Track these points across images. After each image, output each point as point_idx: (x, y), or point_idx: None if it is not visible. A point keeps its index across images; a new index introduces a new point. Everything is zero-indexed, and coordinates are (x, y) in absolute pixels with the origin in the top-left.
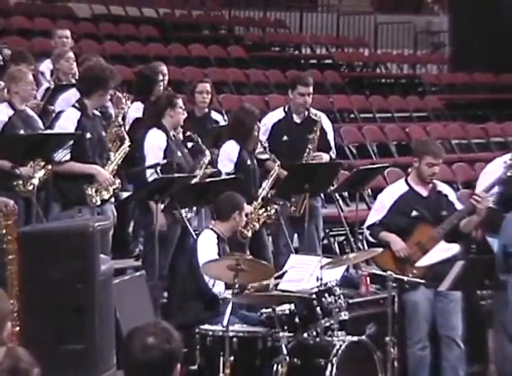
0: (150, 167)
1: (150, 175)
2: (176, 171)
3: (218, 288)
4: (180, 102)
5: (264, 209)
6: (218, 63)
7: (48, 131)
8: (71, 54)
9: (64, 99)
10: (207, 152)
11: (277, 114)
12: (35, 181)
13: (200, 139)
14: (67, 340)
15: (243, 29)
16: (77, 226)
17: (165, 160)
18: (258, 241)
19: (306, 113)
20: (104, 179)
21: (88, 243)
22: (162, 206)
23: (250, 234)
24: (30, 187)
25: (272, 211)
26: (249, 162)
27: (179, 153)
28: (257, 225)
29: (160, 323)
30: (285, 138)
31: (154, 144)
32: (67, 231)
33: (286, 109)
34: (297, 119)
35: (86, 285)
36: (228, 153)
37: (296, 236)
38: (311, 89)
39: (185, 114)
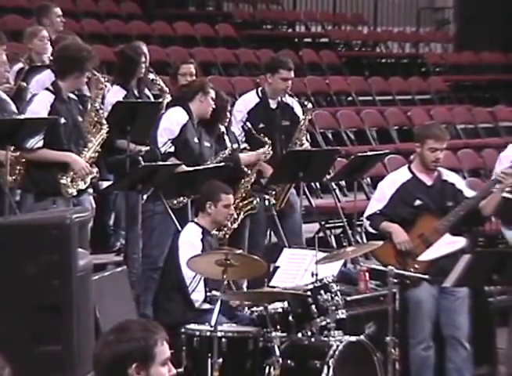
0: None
1: (163, 146)
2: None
3: (197, 296)
4: (213, 93)
5: (246, 201)
6: (206, 43)
7: (22, 117)
8: (45, 32)
9: (38, 81)
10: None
11: (251, 99)
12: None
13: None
14: (43, 341)
15: (233, 5)
16: (53, 218)
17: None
18: (236, 236)
19: (279, 98)
20: (80, 168)
21: (65, 236)
22: (145, 196)
23: (233, 227)
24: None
25: (255, 202)
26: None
27: (196, 140)
28: (240, 218)
29: (127, 321)
30: (261, 125)
31: (173, 118)
32: (43, 223)
33: (259, 93)
34: (272, 104)
35: (63, 281)
36: None
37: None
38: (292, 74)
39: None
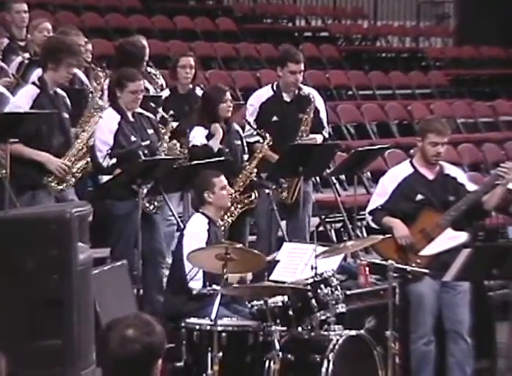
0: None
1: (104, 160)
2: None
3: (195, 284)
4: (131, 85)
5: (244, 195)
6: (206, 37)
7: (23, 111)
8: (46, 25)
9: (38, 75)
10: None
11: (265, 93)
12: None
13: None
14: (43, 335)
15: None
16: (53, 213)
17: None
18: (237, 230)
19: (296, 90)
20: (55, 167)
21: (65, 230)
22: (145, 190)
23: (229, 220)
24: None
25: (253, 197)
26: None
27: (133, 138)
28: (237, 212)
29: (140, 315)
30: (274, 118)
31: (104, 127)
32: (42, 217)
33: (274, 87)
34: (286, 97)
35: (63, 276)
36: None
37: (284, 223)
38: (302, 66)
39: (167, 92)
